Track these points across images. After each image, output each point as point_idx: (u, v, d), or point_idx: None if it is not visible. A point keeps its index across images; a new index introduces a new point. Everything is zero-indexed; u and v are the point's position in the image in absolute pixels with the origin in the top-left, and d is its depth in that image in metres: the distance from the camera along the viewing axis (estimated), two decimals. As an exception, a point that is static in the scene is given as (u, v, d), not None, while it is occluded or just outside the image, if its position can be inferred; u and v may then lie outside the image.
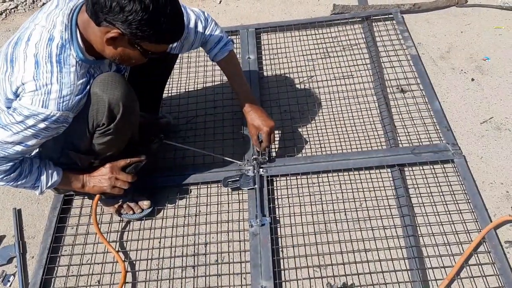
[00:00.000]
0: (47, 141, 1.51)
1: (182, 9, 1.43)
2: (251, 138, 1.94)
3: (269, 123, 1.86)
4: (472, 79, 2.36)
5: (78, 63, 1.41)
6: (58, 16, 1.39)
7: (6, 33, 2.99)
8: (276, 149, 2.11)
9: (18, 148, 1.42)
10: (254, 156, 1.98)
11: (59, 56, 1.37)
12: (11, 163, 1.48)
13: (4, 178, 1.50)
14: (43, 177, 1.58)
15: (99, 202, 1.82)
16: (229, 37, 1.88)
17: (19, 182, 1.54)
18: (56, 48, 1.36)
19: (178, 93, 2.41)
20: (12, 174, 1.50)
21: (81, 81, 1.42)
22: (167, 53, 1.74)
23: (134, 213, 1.89)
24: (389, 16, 2.70)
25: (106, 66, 1.57)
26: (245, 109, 1.89)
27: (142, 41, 1.36)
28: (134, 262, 1.78)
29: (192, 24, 1.72)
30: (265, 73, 2.49)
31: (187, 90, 2.42)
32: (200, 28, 1.75)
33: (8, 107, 1.41)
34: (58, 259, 1.81)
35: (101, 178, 1.71)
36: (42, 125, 1.38)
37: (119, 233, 1.88)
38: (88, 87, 1.46)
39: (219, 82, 2.45)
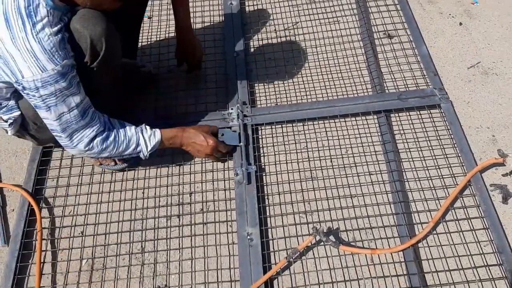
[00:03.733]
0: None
1: None
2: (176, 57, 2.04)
3: (196, 58, 2.03)
4: (460, 23, 2.31)
5: (50, 12, 1.31)
6: None
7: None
8: (261, 97, 2.06)
9: (75, 111, 1.43)
10: (238, 105, 1.94)
11: (28, 8, 1.27)
12: (95, 129, 1.50)
13: (104, 149, 1.54)
14: (141, 141, 1.61)
15: None
16: None
17: (120, 149, 1.58)
18: (23, 1, 1.27)
19: (158, 41, 2.31)
20: (106, 141, 1.54)
21: (56, 29, 1.33)
22: None
23: (116, 164, 1.84)
24: (376, -42, 2.60)
25: None
26: (177, 31, 1.93)
27: None
28: (118, 212, 1.75)
29: None
30: (248, 20, 2.40)
31: (167, 37, 2.32)
32: None
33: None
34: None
35: (201, 148, 1.73)
36: (63, 84, 1.35)
37: (101, 184, 1.84)
38: (66, 32, 1.39)
39: (201, 28, 2.35)
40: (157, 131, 1.65)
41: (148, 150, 1.63)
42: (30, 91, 1.34)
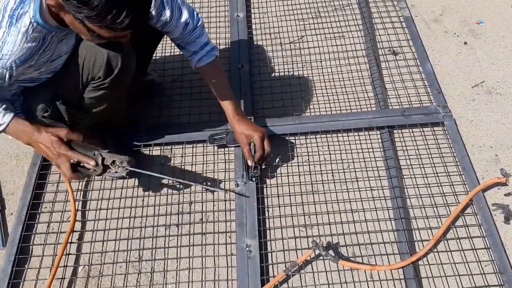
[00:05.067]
0: (35, 90, 1.47)
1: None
2: (243, 150, 1.74)
3: (260, 130, 1.72)
4: (465, 43, 2.31)
5: (32, 24, 1.28)
6: None
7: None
8: (264, 110, 2.06)
9: None
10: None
11: (14, 10, 1.25)
12: None
13: None
14: None
15: None
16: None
17: None
18: (14, 3, 1.25)
19: (163, 50, 2.32)
20: None
21: (28, 45, 1.30)
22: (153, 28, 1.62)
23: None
24: (383, -24, 2.62)
25: (73, 39, 1.45)
26: (232, 120, 1.75)
27: (84, 18, 1.17)
28: (117, 220, 1.74)
29: (182, 19, 1.59)
30: (254, 32, 2.41)
31: (173, 46, 2.33)
32: (189, 26, 1.62)
33: None
34: (38, 216, 1.76)
35: (45, 148, 1.50)
36: None
37: (100, 191, 1.83)
38: (36, 55, 1.35)
39: (207, 40, 2.36)
40: (11, 115, 1.46)
41: None
42: None
